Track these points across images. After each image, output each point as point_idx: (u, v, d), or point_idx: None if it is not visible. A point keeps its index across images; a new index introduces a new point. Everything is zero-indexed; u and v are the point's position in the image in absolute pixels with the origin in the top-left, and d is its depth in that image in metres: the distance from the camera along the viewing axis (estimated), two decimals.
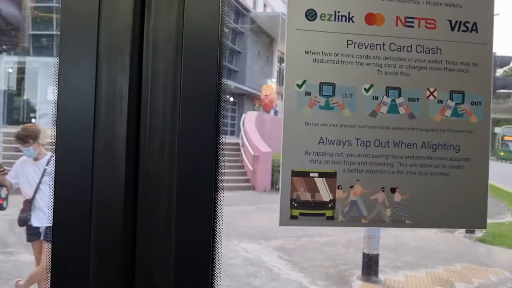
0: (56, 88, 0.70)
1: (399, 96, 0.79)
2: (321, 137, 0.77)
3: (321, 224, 0.78)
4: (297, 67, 0.77)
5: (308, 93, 0.77)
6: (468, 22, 0.80)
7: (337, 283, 5.08)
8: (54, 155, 0.71)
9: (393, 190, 0.79)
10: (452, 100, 0.80)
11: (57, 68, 0.70)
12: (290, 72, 0.77)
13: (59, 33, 0.71)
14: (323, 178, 0.77)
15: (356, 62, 0.78)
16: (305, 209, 0.77)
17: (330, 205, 0.77)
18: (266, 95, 16.34)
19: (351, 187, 0.78)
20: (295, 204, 0.77)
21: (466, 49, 0.81)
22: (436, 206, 0.80)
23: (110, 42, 0.71)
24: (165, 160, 0.72)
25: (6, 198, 3.83)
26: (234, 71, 19.27)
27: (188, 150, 0.71)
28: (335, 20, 0.77)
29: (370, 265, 5.22)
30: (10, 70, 16.04)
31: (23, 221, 3.69)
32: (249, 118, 13.42)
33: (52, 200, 0.70)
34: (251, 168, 11.47)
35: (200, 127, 0.72)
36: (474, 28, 0.81)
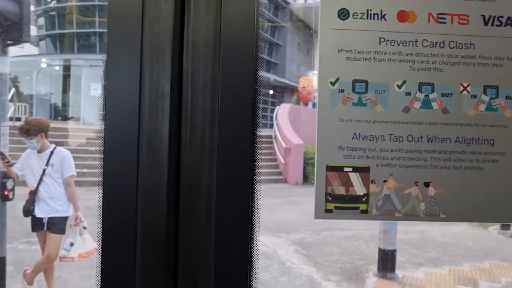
0: (103, 88, 0.75)
1: (432, 91, 0.80)
2: (355, 133, 0.79)
3: (355, 217, 0.80)
4: (330, 65, 0.79)
5: (341, 91, 0.79)
6: (502, 17, 0.80)
7: (350, 279, 4.98)
8: (102, 151, 0.76)
9: (427, 185, 0.80)
10: (486, 95, 0.81)
11: (104, 69, 0.75)
12: (323, 70, 0.79)
13: (99, 31, 0.76)
14: (357, 173, 0.79)
15: (388, 59, 0.79)
16: (339, 203, 0.79)
17: (364, 199, 0.79)
18: (303, 87, 16.22)
19: (384, 181, 0.80)
20: (330, 198, 0.79)
21: (501, 43, 0.81)
22: (471, 200, 0.81)
23: (152, 44, 0.75)
24: (205, 156, 0.76)
25: (12, 189, 3.97)
26: (273, 64, 19.27)
27: (226, 145, 0.75)
28: (367, 18, 0.79)
29: (386, 261, 5.09)
30: (57, 68, 16.69)
31: (28, 211, 3.84)
32: (282, 111, 13.40)
33: (101, 192, 0.75)
34: (282, 160, 11.47)
35: (238, 123, 0.76)
36: (508, 22, 0.81)
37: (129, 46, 0.75)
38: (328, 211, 0.79)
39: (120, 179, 0.76)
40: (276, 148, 12.02)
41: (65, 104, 16.65)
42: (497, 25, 0.80)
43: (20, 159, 3.99)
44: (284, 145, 11.63)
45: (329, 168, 0.79)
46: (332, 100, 0.79)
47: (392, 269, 5.10)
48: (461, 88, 0.81)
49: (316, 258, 5.60)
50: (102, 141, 0.76)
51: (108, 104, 0.75)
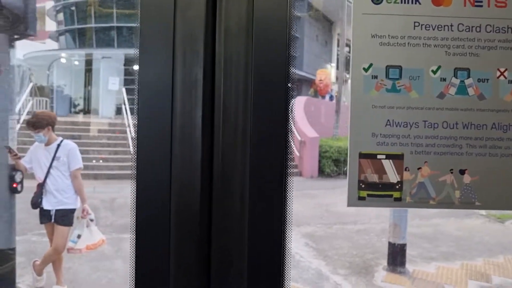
0: (137, 74, 0.76)
1: (468, 77, 0.78)
2: (388, 120, 0.78)
3: (389, 205, 0.79)
4: (363, 51, 0.78)
5: (375, 77, 0.78)
6: None
7: (359, 273, 4.92)
8: (135, 136, 0.76)
9: (462, 172, 0.79)
10: None
11: (137, 56, 0.75)
12: (356, 56, 0.78)
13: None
14: (390, 160, 0.78)
15: (423, 44, 0.78)
16: (372, 191, 0.78)
17: (397, 187, 0.78)
18: (320, 80, 16.09)
19: (418, 168, 0.78)
20: (363, 186, 0.78)
21: None
22: (507, 187, 0.79)
23: (185, 31, 0.75)
24: (238, 142, 0.76)
25: (21, 182, 4.01)
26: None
27: (260, 130, 0.75)
28: (401, 3, 0.78)
29: (395, 255, 5.02)
30: (76, 63, 16.94)
31: (36, 204, 3.90)
32: (298, 104, 13.35)
33: (134, 177, 0.76)
34: (298, 154, 11.45)
35: (271, 109, 0.75)
36: None
37: (161, 33, 0.75)
38: (361, 198, 0.79)
39: (153, 166, 0.76)
40: (290, 152, 11.96)
41: (84, 98, 16.88)
42: None
43: (28, 152, 4.04)
44: (299, 138, 11.60)
45: (362, 156, 0.78)
46: (365, 86, 0.78)
47: (402, 263, 5.03)
48: (498, 73, 0.79)
49: (326, 252, 5.57)
50: (136, 128, 0.76)
51: (141, 91, 0.76)
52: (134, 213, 0.77)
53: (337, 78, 16.33)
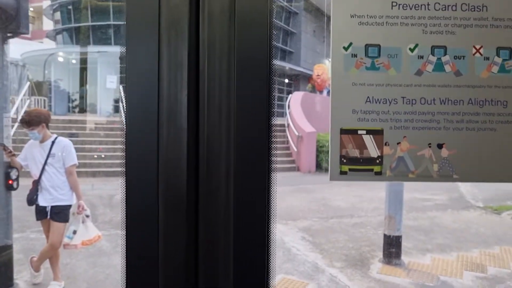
0: (125, 59, 0.78)
1: (445, 54, 0.81)
2: (368, 97, 0.81)
3: (369, 179, 0.82)
4: (343, 30, 0.80)
5: (354, 55, 0.81)
6: None
7: (355, 265, 4.96)
8: (124, 117, 0.79)
9: (440, 146, 0.82)
10: (499, 57, 0.82)
11: (125, 42, 0.78)
12: (336, 36, 0.81)
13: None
14: (371, 135, 0.81)
15: (401, 23, 0.80)
16: (354, 165, 0.81)
17: (378, 161, 0.81)
18: (318, 75, 16.11)
19: (398, 143, 0.81)
20: (344, 160, 0.81)
21: None
22: (484, 160, 0.82)
23: (170, 16, 0.78)
24: (223, 123, 0.78)
25: (16, 179, 4.06)
26: (289, 52, 19.13)
27: (243, 111, 0.78)
28: None
29: (391, 247, 5.07)
30: (74, 61, 16.95)
31: (31, 201, 3.93)
32: (295, 99, 13.38)
33: (124, 159, 0.79)
34: (295, 149, 11.49)
35: (253, 90, 0.78)
36: None
37: (147, 19, 0.78)
38: (343, 173, 0.82)
39: (141, 143, 0.79)
40: (288, 137, 12.03)
41: (82, 97, 16.89)
42: None
43: (24, 149, 4.07)
44: (297, 133, 11.63)
45: (344, 131, 0.81)
46: (345, 64, 0.81)
47: (398, 255, 5.08)
48: (474, 51, 0.81)
49: (322, 245, 5.61)
50: (124, 110, 0.79)
51: (129, 72, 0.78)
52: (124, 191, 0.80)
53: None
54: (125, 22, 0.79)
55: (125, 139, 0.79)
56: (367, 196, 8.42)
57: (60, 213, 3.94)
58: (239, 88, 0.78)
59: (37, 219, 4.03)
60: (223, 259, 0.80)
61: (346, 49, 0.80)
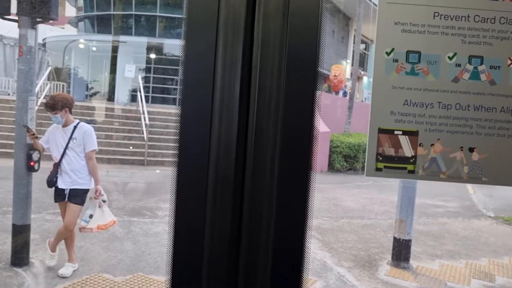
0: (183, 52, 0.85)
1: (481, 64, 0.86)
2: (406, 100, 0.86)
3: (403, 176, 0.88)
4: (386, 36, 0.86)
5: (396, 60, 0.86)
6: None
7: (363, 266, 5.00)
8: (180, 108, 0.85)
9: (471, 150, 0.87)
10: None
11: (184, 36, 0.84)
12: (380, 41, 0.86)
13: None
14: (406, 136, 0.87)
15: (441, 32, 0.86)
16: (389, 163, 0.87)
17: (411, 160, 0.87)
18: (335, 76, 16.09)
19: (431, 145, 0.87)
20: (380, 158, 0.87)
21: None
22: None
23: (228, 14, 0.84)
24: (271, 117, 0.84)
25: (38, 161, 4.18)
26: None
27: (290, 108, 0.84)
28: None
29: (400, 250, 5.07)
30: (94, 49, 17.16)
31: (51, 182, 4.01)
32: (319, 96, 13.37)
33: (177, 146, 0.85)
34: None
35: (300, 88, 0.84)
36: None
37: (206, 16, 0.84)
38: (378, 169, 0.87)
39: (194, 135, 0.85)
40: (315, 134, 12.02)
41: (101, 84, 17.10)
42: None
43: (46, 132, 4.16)
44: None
45: (381, 131, 0.87)
46: (387, 68, 0.86)
47: (406, 259, 5.10)
48: (509, 62, 0.86)
49: (331, 244, 5.65)
50: (180, 99, 0.85)
51: (186, 68, 0.85)
52: (176, 177, 0.86)
53: (351, 75, 16.29)
54: (185, 16, 0.85)
55: (179, 127, 0.86)
56: (378, 199, 8.44)
57: (77, 196, 4.03)
58: (288, 84, 0.84)
59: (55, 201, 4.11)
60: (262, 253, 0.86)
61: (388, 54, 0.86)
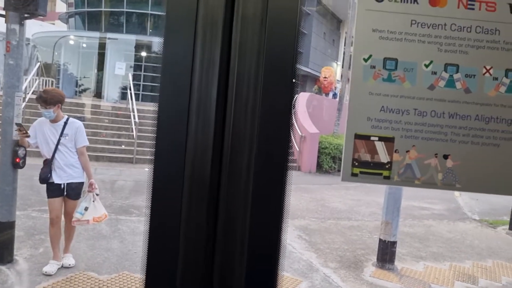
0: (162, 51, 0.85)
1: (457, 72, 0.87)
2: (383, 106, 0.87)
3: (379, 182, 0.88)
4: (364, 43, 0.87)
5: (373, 67, 0.87)
6: None
7: (349, 267, 5.04)
8: (157, 108, 0.85)
9: (445, 157, 0.88)
10: (507, 78, 0.88)
11: (163, 37, 0.84)
12: (357, 48, 0.87)
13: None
14: (382, 142, 0.87)
15: (418, 40, 0.87)
16: (365, 168, 0.88)
17: (387, 166, 0.88)
18: (325, 77, 16.15)
19: (407, 151, 0.88)
20: (356, 163, 0.88)
21: None
22: (486, 173, 0.88)
23: (206, 16, 0.84)
24: (248, 118, 0.85)
25: (24, 158, 4.17)
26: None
27: (267, 110, 0.84)
28: (401, 2, 0.86)
29: (385, 252, 5.12)
30: (84, 45, 17.02)
31: (45, 179, 4.01)
32: (300, 99, 13.47)
33: (153, 146, 0.85)
34: (297, 148, 11.57)
35: (278, 90, 0.84)
36: None
37: (185, 18, 0.84)
38: (354, 175, 0.88)
39: (171, 135, 0.85)
40: (292, 136, 12.09)
41: (90, 81, 16.98)
42: None
43: (32, 127, 4.13)
44: (300, 133, 11.70)
45: (358, 136, 0.87)
46: (364, 75, 0.87)
47: (391, 261, 5.15)
48: (484, 71, 0.88)
49: (318, 245, 5.68)
50: (158, 100, 0.85)
51: (164, 65, 0.85)
52: (152, 177, 0.86)
53: (341, 76, 16.37)
54: (164, 19, 0.85)
55: (156, 126, 0.85)
56: (365, 200, 8.49)
57: (75, 190, 4.10)
58: (265, 87, 0.84)
59: (49, 197, 4.10)
60: (238, 255, 0.86)
61: (366, 60, 0.87)
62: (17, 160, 4.19)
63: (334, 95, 16.82)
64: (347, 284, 4.66)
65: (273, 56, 0.85)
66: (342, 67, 17.85)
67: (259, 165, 0.85)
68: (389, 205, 5.23)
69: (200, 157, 0.85)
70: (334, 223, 6.83)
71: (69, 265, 4.19)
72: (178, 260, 0.87)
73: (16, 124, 4.12)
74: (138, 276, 4.17)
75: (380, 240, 5.21)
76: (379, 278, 4.88)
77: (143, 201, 6.93)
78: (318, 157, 11.70)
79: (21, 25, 4.35)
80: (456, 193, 9.34)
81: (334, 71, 17.82)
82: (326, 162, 11.74)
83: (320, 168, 11.69)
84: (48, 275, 3.99)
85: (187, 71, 0.84)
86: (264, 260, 0.88)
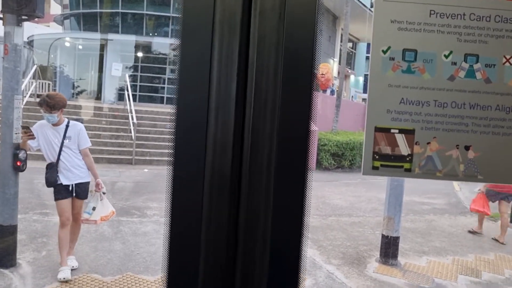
0: (179, 51, 0.83)
1: (477, 62, 0.86)
2: (402, 98, 0.86)
3: (399, 175, 0.88)
4: (383, 34, 0.86)
5: (392, 58, 0.86)
6: None
7: (352, 263, 5.03)
8: (175, 108, 0.84)
9: (467, 148, 0.87)
10: None
11: (180, 35, 0.83)
12: (376, 39, 0.86)
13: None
14: (403, 134, 0.86)
15: (437, 30, 0.86)
16: (385, 161, 0.87)
17: (408, 159, 0.87)
18: (322, 74, 16.19)
19: (428, 143, 0.87)
20: (377, 157, 0.87)
21: None
22: (508, 163, 0.88)
23: (224, 11, 0.83)
24: (267, 114, 0.84)
25: (25, 161, 4.18)
26: None
27: (287, 106, 0.83)
28: None
29: (388, 248, 5.12)
30: (80, 47, 16.96)
31: (52, 182, 4.02)
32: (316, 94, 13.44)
33: (173, 142, 0.84)
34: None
35: (297, 86, 0.83)
36: None
37: (202, 12, 0.83)
38: (375, 168, 0.87)
39: (190, 134, 0.84)
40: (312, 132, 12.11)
41: (87, 83, 16.93)
42: None
43: (33, 131, 4.10)
44: None
45: (378, 129, 0.86)
46: (383, 67, 0.86)
47: (394, 256, 5.15)
48: (504, 60, 0.87)
49: (320, 242, 5.67)
50: (176, 98, 0.84)
51: (181, 64, 0.84)
52: (171, 177, 0.85)
53: (338, 73, 16.38)
54: (180, 15, 0.84)
55: (175, 125, 0.84)
56: (365, 196, 8.50)
57: (83, 190, 4.15)
58: (285, 82, 0.83)
59: (57, 199, 4.09)
60: (259, 254, 0.85)
61: (384, 52, 0.86)
62: (18, 163, 4.17)
63: (332, 92, 16.84)
64: (350, 281, 4.66)
65: (292, 51, 0.83)
66: (339, 64, 17.85)
67: (280, 163, 0.84)
68: (391, 200, 5.23)
69: (220, 156, 0.83)
70: (336, 219, 6.83)
71: (73, 267, 4.19)
72: (199, 261, 0.86)
73: (22, 126, 4.13)
74: (142, 277, 4.15)
75: (383, 235, 5.21)
76: (382, 273, 4.88)
77: (143, 202, 6.92)
78: (318, 154, 11.70)
79: (19, 26, 4.33)
80: (456, 187, 9.37)
81: (331, 68, 17.84)
82: (326, 159, 11.74)
83: (319, 165, 11.70)
84: (66, 281, 3.97)
85: (205, 68, 0.83)
86: (286, 261, 0.87)
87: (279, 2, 0.83)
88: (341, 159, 11.90)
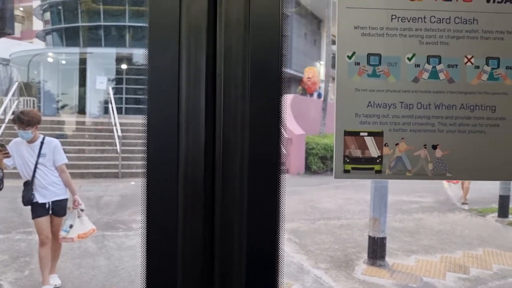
0: (148, 61, 0.84)
1: (439, 63, 0.89)
2: (369, 101, 0.88)
3: (371, 177, 0.89)
4: (347, 41, 0.88)
5: (357, 63, 0.88)
6: None
7: (340, 267, 5.07)
8: (146, 119, 0.85)
9: (434, 147, 0.89)
10: (488, 66, 0.90)
11: (147, 47, 0.84)
12: (341, 46, 0.88)
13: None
14: (372, 137, 0.88)
15: (399, 34, 0.88)
16: (356, 164, 0.88)
17: (378, 161, 0.89)
18: (308, 78, 16.27)
19: (396, 144, 0.89)
20: (348, 160, 0.88)
21: (501, 18, 0.89)
22: (474, 160, 0.90)
23: (189, 24, 0.84)
24: (237, 124, 0.85)
25: (1, 179, 4.04)
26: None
27: (256, 115, 0.84)
28: None
29: (375, 249, 5.17)
30: (63, 62, 16.82)
31: (29, 200, 4.00)
32: (285, 101, 13.48)
33: (145, 156, 0.85)
34: (284, 151, 11.57)
35: (266, 94, 0.85)
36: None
37: (168, 27, 0.84)
38: (346, 171, 0.89)
39: (161, 147, 0.85)
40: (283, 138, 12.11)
41: (71, 98, 16.80)
42: (498, 2, 0.89)
43: (8, 149, 4.06)
44: (286, 136, 11.72)
45: (347, 133, 0.88)
46: (349, 72, 0.88)
47: (382, 257, 5.19)
48: (465, 60, 0.89)
49: (308, 247, 5.71)
50: (146, 111, 0.85)
51: (151, 78, 0.85)
52: (145, 190, 0.85)
53: (325, 76, 16.48)
54: (147, 30, 0.85)
55: (146, 139, 0.85)
56: (354, 199, 8.54)
57: (61, 207, 4.10)
58: (253, 92, 0.84)
59: (35, 217, 4.06)
60: (236, 259, 0.86)
61: (350, 57, 0.88)
62: None
63: (319, 95, 16.94)
64: (338, 284, 4.68)
65: (259, 60, 0.85)
66: (326, 67, 17.98)
67: (252, 169, 0.85)
68: (376, 201, 5.26)
69: (193, 165, 0.84)
70: (324, 223, 6.86)
71: (56, 285, 4.15)
72: (177, 268, 0.87)
73: None
74: None
75: (370, 237, 5.24)
76: (370, 275, 4.90)
77: (129, 215, 6.86)
78: (306, 158, 11.74)
79: None
80: (445, 184, 9.47)
81: (317, 71, 17.98)
82: (314, 162, 11.79)
83: (308, 169, 11.73)
84: None
85: (174, 80, 0.84)
86: (264, 264, 0.88)
87: (244, 13, 0.84)
88: (330, 162, 11.96)
